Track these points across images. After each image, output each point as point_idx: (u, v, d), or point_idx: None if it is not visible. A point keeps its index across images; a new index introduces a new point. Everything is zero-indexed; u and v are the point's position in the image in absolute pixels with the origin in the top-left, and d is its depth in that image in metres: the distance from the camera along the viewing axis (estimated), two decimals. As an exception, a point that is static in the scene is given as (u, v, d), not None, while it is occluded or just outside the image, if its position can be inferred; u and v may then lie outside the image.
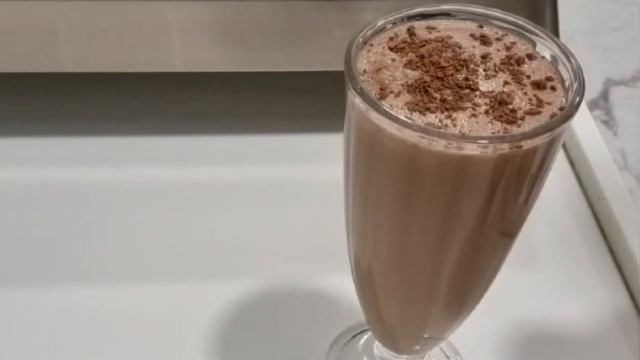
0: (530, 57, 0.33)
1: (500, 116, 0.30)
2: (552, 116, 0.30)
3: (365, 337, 0.45)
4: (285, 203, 0.52)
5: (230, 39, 0.51)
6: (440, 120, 0.30)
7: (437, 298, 0.36)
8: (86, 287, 0.46)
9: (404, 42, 0.33)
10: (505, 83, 0.31)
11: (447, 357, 0.44)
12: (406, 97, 0.31)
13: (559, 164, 0.56)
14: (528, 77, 0.32)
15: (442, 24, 0.34)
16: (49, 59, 0.50)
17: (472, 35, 0.34)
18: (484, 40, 0.33)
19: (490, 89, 0.31)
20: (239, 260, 0.48)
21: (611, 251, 0.51)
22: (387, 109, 0.30)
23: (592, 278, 0.49)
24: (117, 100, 0.58)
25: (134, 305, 0.46)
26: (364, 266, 0.37)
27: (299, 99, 0.59)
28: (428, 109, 0.30)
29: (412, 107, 0.30)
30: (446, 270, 0.34)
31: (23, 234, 0.49)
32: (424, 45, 0.33)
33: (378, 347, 0.43)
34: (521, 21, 0.34)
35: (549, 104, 0.31)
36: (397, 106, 0.30)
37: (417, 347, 0.40)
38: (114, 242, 0.49)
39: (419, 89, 0.31)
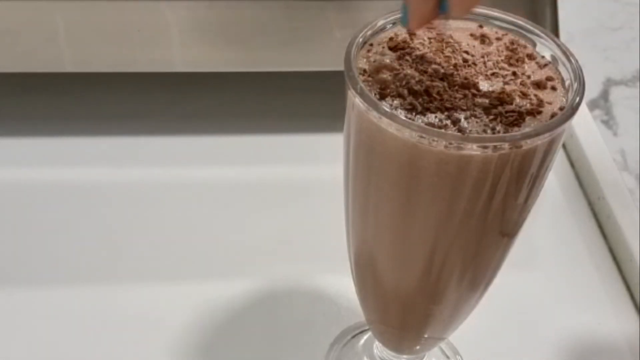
0: (530, 57, 0.33)
1: (501, 116, 0.30)
2: (552, 116, 0.30)
3: (365, 337, 0.45)
4: (285, 203, 0.52)
5: (230, 39, 0.51)
6: (440, 120, 0.30)
7: (437, 298, 0.36)
8: (87, 287, 0.46)
9: (404, 42, 0.33)
10: (505, 83, 0.31)
11: (447, 357, 0.44)
12: (406, 97, 0.30)
13: (559, 164, 0.56)
14: (528, 77, 0.32)
15: (442, 23, 0.34)
16: (49, 59, 0.50)
17: (472, 35, 0.34)
18: (484, 40, 0.33)
19: (490, 89, 0.31)
20: (239, 260, 0.48)
21: (611, 251, 0.51)
22: (387, 109, 0.30)
23: (592, 278, 0.49)
24: (117, 100, 0.58)
25: (133, 305, 0.46)
26: (363, 266, 0.37)
27: (299, 99, 0.59)
28: (428, 109, 0.30)
29: (412, 107, 0.30)
30: (446, 270, 0.34)
31: (23, 234, 0.49)
32: (424, 45, 0.33)
33: (378, 347, 0.43)
34: (521, 21, 0.34)
35: (549, 104, 0.31)
36: (397, 106, 0.30)
37: (417, 347, 0.40)
38: (113, 242, 0.49)
39: (419, 89, 0.31)
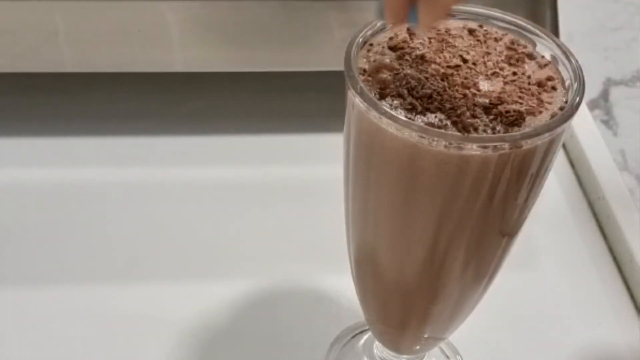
0: (530, 57, 0.33)
1: (501, 116, 0.30)
2: (552, 116, 0.30)
3: (365, 337, 0.45)
4: (286, 203, 0.52)
5: (230, 39, 0.51)
6: (440, 120, 0.30)
7: (436, 298, 0.36)
8: (86, 287, 0.46)
9: (404, 42, 0.33)
10: (505, 83, 0.31)
11: (447, 357, 0.44)
12: (406, 97, 0.30)
13: (559, 164, 0.56)
14: (528, 77, 0.32)
15: (442, 23, 0.34)
16: (49, 59, 0.50)
17: (472, 35, 0.34)
18: (484, 40, 0.33)
19: (490, 89, 0.31)
20: (239, 260, 0.48)
21: (611, 251, 0.51)
22: (387, 109, 0.30)
23: (592, 278, 0.49)
24: (117, 100, 0.58)
25: (133, 305, 0.46)
26: (363, 265, 0.37)
27: (299, 99, 0.59)
28: (428, 109, 0.30)
29: (412, 107, 0.30)
30: (445, 270, 0.34)
31: (23, 234, 0.49)
32: (424, 45, 0.33)
33: (378, 347, 0.43)
34: (521, 21, 0.34)
35: (549, 103, 0.31)
36: (397, 106, 0.30)
37: (417, 347, 0.40)
38: (113, 242, 0.49)
39: (419, 88, 0.31)
